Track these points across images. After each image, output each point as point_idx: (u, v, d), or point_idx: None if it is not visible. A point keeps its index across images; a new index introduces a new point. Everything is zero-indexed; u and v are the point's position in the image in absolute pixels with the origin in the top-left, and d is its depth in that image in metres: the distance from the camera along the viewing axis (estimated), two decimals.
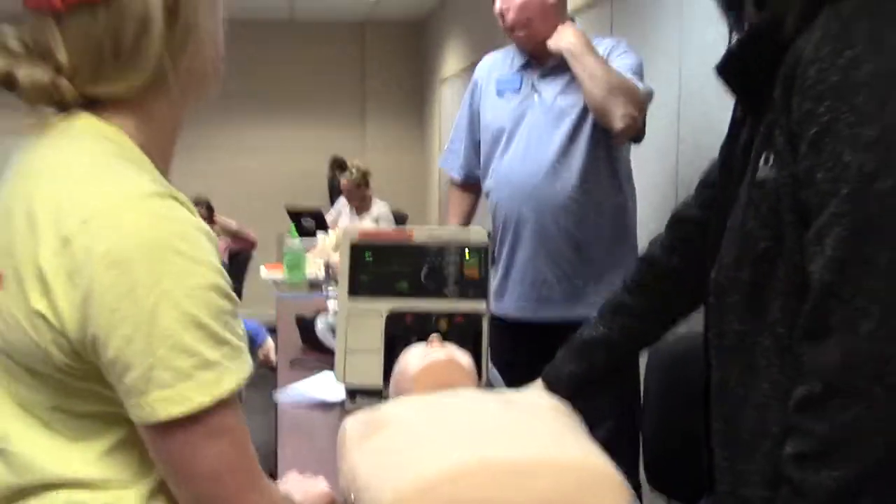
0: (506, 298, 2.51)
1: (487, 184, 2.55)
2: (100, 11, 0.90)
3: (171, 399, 0.86)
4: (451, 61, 7.08)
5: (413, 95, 8.67)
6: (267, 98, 8.37)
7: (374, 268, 1.87)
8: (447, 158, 2.75)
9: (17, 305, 0.89)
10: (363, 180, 6.20)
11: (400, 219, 6.51)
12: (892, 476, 0.91)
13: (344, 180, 6.29)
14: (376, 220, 6.16)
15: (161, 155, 1.01)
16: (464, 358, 1.56)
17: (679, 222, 1.44)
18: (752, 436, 1.07)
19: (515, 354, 2.44)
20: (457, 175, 2.72)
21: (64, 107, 0.95)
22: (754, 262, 1.06)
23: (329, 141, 8.49)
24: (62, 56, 0.92)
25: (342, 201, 6.43)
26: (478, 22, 5.90)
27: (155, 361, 0.85)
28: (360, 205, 6.25)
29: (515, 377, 1.75)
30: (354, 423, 1.32)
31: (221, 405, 0.88)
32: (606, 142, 2.38)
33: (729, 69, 1.11)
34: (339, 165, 7.73)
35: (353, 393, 1.89)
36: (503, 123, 2.46)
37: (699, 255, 1.26)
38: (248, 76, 7.82)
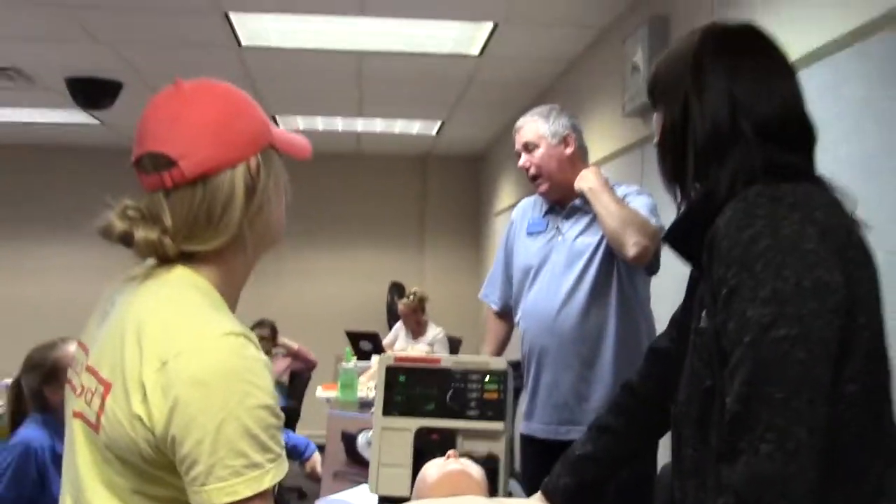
0: (534, 420, 2.73)
1: (518, 316, 2.81)
2: (198, 189, 1.21)
3: (224, 490, 1.12)
4: (505, 195, 7.44)
5: (470, 226, 9.04)
6: (333, 226, 8.80)
7: (406, 389, 2.13)
8: (486, 291, 3.04)
9: (121, 408, 1.16)
10: (420, 305, 6.49)
11: (454, 343, 6.72)
12: None
13: (401, 305, 6.59)
14: (431, 344, 6.39)
15: (234, 297, 1.30)
16: (476, 470, 1.79)
17: (653, 353, 1.68)
18: None
19: (543, 471, 2.63)
20: (494, 305, 3.00)
21: (165, 259, 1.25)
22: (700, 398, 1.29)
23: (390, 267, 8.85)
24: (168, 221, 1.22)
25: (399, 325, 6.70)
26: None
27: (216, 461, 1.12)
28: (417, 329, 6.52)
29: None
30: None
31: (260, 497, 1.14)
32: (616, 274, 2.63)
33: (674, 237, 1.39)
34: (398, 290, 8.07)
35: (384, 501, 2.11)
36: (531, 262, 2.75)
37: (669, 384, 1.49)
38: (316, 205, 8.29)
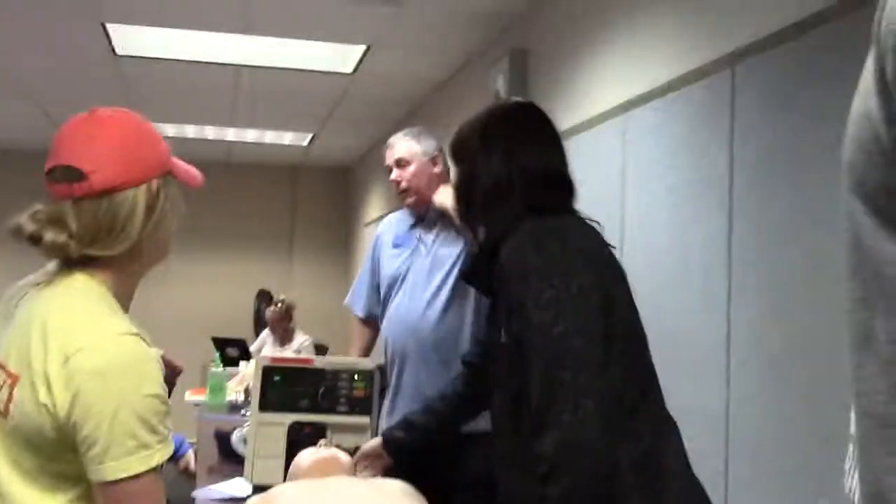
0: (395, 416, 2.96)
1: (383, 323, 3.04)
2: (103, 202, 1.40)
3: (118, 467, 1.31)
4: (373, 207, 7.68)
5: (338, 236, 9.23)
6: (201, 233, 8.79)
7: (280, 387, 2.34)
8: (352, 298, 3.25)
9: (28, 398, 1.34)
10: (287, 313, 6.61)
11: (321, 351, 6.85)
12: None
13: (269, 312, 6.70)
14: (298, 351, 6.51)
15: (127, 301, 1.49)
16: (345, 456, 2.01)
17: (467, 365, 2.11)
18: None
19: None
20: (359, 312, 3.21)
21: (68, 261, 1.43)
22: (511, 401, 1.61)
23: (258, 275, 8.95)
24: (73, 226, 1.40)
25: (267, 332, 6.81)
26: None
27: (111, 442, 1.31)
28: (284, 336, 6.63)
29: None
30: (255, 500, 1.76)
31: (151, 473, 1.34)
32: None
33: (471, 274, 1.78)
34: (265, 298, 8.16)
35: (259, 490, 2.30)
36: (397, 272, 2.98)
37: (480, 389, 1.88)
38: (187, 213, 8.28)
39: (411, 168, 2.96)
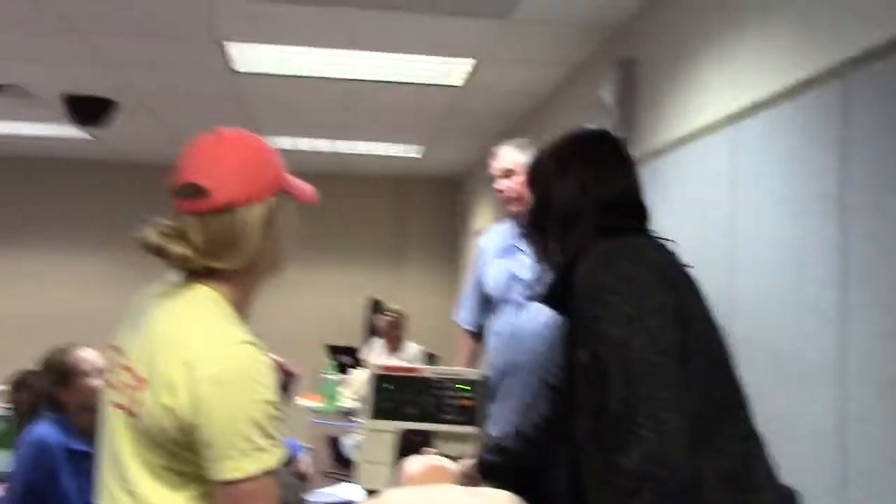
0: (498, 427, 3.00)
1: (488, 334, 3.09)
2: (224, 217, 1.49)
3: (234, 468, 1.40)
4: (482, 216, 7.74)
5: (448, 245, 9.33)
6: (314, 243, 9.04)
7: (391, 395, 2.41)
8: (459, 313, 3.32)
9: (154, 401, 1.44)
10: (398, 322, 6.74)
11: (431, 360, 6.93)
12: None
13: (381, 321, 6.83)
14: (409, 360, 6.63)
15: (245, 310, 1.58)
16: (451, 465, 2.07)
17: (550, 387, 2.08)
18: None
19: None
20: (466, 325, 3.27)
21: (191, 273, 1.53)
22: (593, 418, 1.62)
23: (369, 284, 9.13)
24: (197, 240, 1.50)
25: (377, 341, 6.94)
26: None
27: (229, 443, 1.40)
28: (395, 345, 6.75)
29: None
30: None
31: (265, 475, 1.42)
32: None
33: (549, 298, 1.79)
34: (377, 307, 8.32)
35: (370, 494, 2.38)
36: (501, 283, 3.03)
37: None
38: (301, 224, 8.52)
39: (517, 178, 3.00)
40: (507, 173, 3.05)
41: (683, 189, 3.37)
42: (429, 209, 9.48)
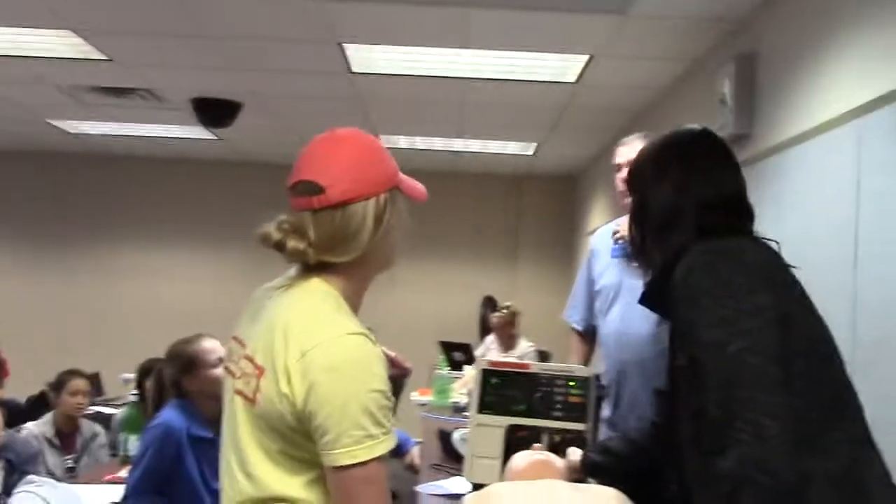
0: (617, 430, 2.97)
1: (600, 335, 3.06)
2: (338, 213, 1.54)
3: (347, 454, 1.44)
4: (596, 215, 7.66)
5: (562, 244, 9.27)
6: (429, 240, 9.15)
7: (498, 390, 2.42)
8: (569, 312, 3.29)
9: (271, 388, 1.50)
10: (513, 319, 6.76)
11: (544, 357, 6.89)
12: None
13: (495, 318, 6.86)
14: (521, 357, 6.62)
15: (357, 303, 1.63)
16: (559, 461, 2.06)
17: (656, 392, 2.04)
18: None
19: None
20: (577, 325, 3.25)
21: (307, 266, 1.58)
22: (693, 421, 1.59)
23: (483, 281, 9.17)
24: (312, 235, 1.55)
25: (491, 338, 6.98)
26: None
27: (342, 431, 1.44)
28: (508, 342, 6.78)
29: None
30: (471, 497, 1.85)
31: (375, 461, 1.45)
32: None
33: (647, 299, 1.79)
34: (490, 304, 8.35)
35: (477, 488, 2.40)
36: (612, 283, 2.99)
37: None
38: (414, 220, 8.64)
39: None
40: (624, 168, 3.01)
41: (806, 185, 3.26)
42: (543, 207, 9.44)
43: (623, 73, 5.15)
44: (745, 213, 1.77)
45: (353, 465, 1.43)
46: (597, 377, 2.63)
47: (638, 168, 1.86)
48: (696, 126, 1.87)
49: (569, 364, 3.07)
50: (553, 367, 2.45)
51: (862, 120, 2.85)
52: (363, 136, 1.64)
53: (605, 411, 3.03)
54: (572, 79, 5.30)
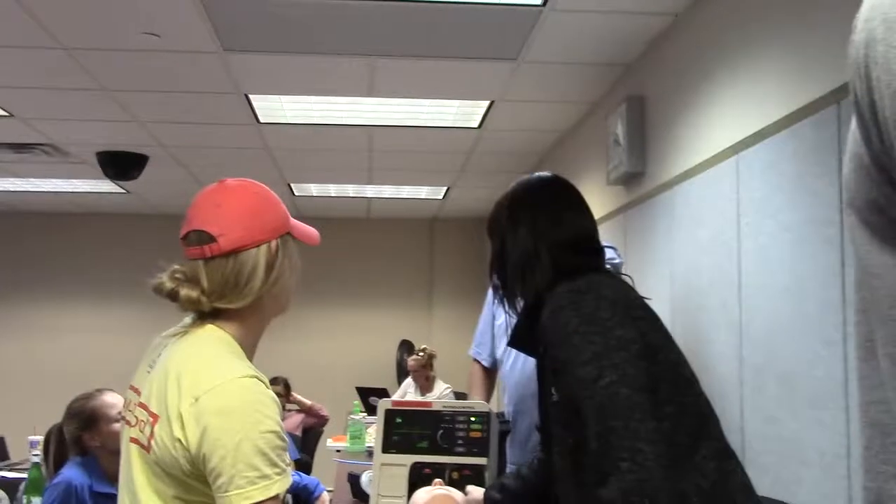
0: (511, 462, 3.04)
1: (502, 372, 3.14)
2: (230, 261, 1.58)
3: (241, 495, 1.46)
4: None
5: (475, 285, 9.36)
6: (345, 287, 9.17)
7: (402, 429, 2.46)
8: (477, 349, 3.37)
9: (166, 433, 1.52)
10: (429, 362, 6.78)
11: (461, 398, 6.96)
12: None
13: (411, 361, 6.88)
14: (439, 399, 6.69)
15: (252, 348, 1.66)
16: (459, 495, 2.11)
17: (538, 429, 2.09)
18: None
19: None
20: (485, 362, 3.33)
21: (202, 314, 1.61)
22: (570, 455, 1.68)
23: (399, 325, 9.21)
24: (205, 283, 1.59)
25: (409, 381, 6.99)
26: None
27: (235, 472, 1.46)
28: (425, 385, 6.79)
29: None
30: None
31: (271, 501, 1.47)
32: None
33: (516, 341, 1.88)
34: (407, 348, 8.38)
35: None
36: (505, 324, 3.07)
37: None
38: (328, 267, 8.67)
39: None
40: None
41: (694, 219, 3.42)
42: (456, 249, 9.55)
43: (523, 117, 5.31)
44: (596, 252, 1.87)
45: None
46: (499, 414, 2.70)
47: (494, 216, 1.94)
48: (546, 173, 1.98)
49: (469, 401, 3.14)
50: (454, 404, 2.51)
51: (739, 156, 3.01)
52: (253, 185, 1.68)
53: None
54: (475, 124, 5.44)
